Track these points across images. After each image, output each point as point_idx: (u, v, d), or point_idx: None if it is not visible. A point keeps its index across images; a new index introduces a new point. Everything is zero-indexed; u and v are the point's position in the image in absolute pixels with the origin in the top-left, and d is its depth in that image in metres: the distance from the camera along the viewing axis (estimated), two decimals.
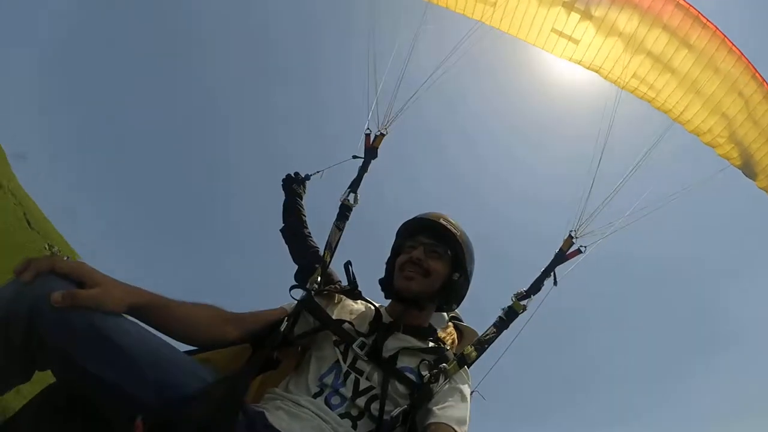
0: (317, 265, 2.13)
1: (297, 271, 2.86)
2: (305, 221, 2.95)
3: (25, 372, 1.25)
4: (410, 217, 2.13)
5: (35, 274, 1.16)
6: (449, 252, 2.02)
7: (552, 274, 2.24)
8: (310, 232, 2.94)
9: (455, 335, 2.31)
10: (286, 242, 2.96)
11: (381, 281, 2.11)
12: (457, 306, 2.21)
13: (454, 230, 2.02)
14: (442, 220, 2.04)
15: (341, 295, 2.06)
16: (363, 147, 2.48)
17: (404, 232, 2.13)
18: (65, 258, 1.58)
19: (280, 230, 2.98)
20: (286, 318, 1.87)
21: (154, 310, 1.43)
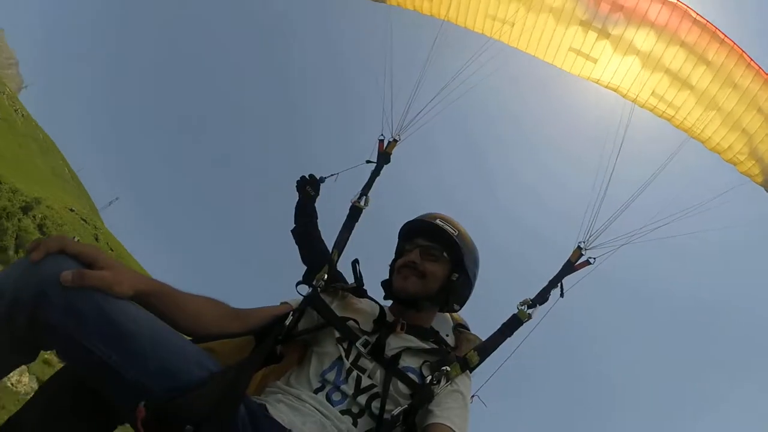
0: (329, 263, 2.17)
1: (306, 272, 2.87)
2: (317, 223, 2.99)
3: (31, 351, 1.26)
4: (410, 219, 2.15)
5: (45, 253, 1.17)
6: (445, 253, 2.03)
7: (559, 285, 2.23)
8: (320, 234, 2.98)
9: (460, 340, 2.29)
10: (297, 243, 2.99)
11: (383, 283, 2.12)
12: (460, 306, 2.20)
13: (450, 230, 2.03)
14: (437, 221, 2.05)
15: (347, 293, 2.09)
16: (376, 151, 2.55)
17: (403, 235, 2.16)
18: (75, 239, 1.64)
19: (292, 231, 3.01)
20: (291, 313, 1.91)
21: (161, 298, 1.44)
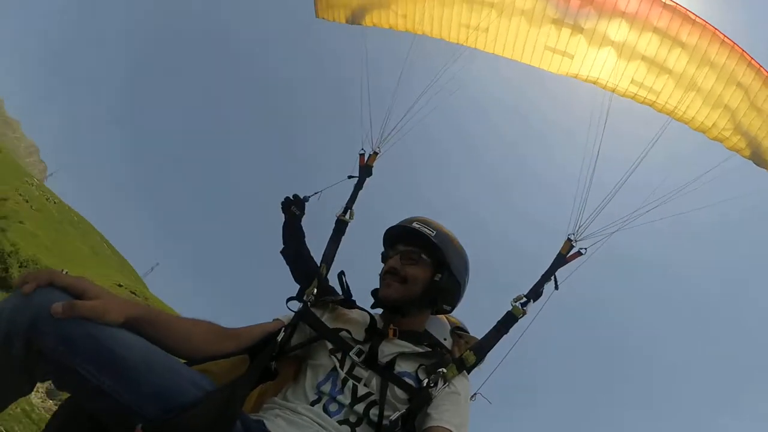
0: (319, 278, 2.19)
1: (299, 290, 2.83)
2: (305, 242, 3.00)
3: (28, 383, 1.29)
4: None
5: (35, 286, 1.19)
6: (425, 255, 2.03)
7: (553, 278, 2.21)
8: (309, 251, 2.99)
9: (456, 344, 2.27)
10: (288, 263, 3.00)
11: (372, 292, 2.13)
12: (451, 307, 2.19)
13: (427, 231, 2.03)
14: (414, 224, 2.07)
15: (336, 305, 2.09)
16: (358, 166, 2.58)
17: (386, 242, 2.19)
18: (64, 272, 1.69)
19: (281, 252, 3.03)
20: (283, 329, 1.93)
21: (151, 323, 1.46)
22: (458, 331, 2.29)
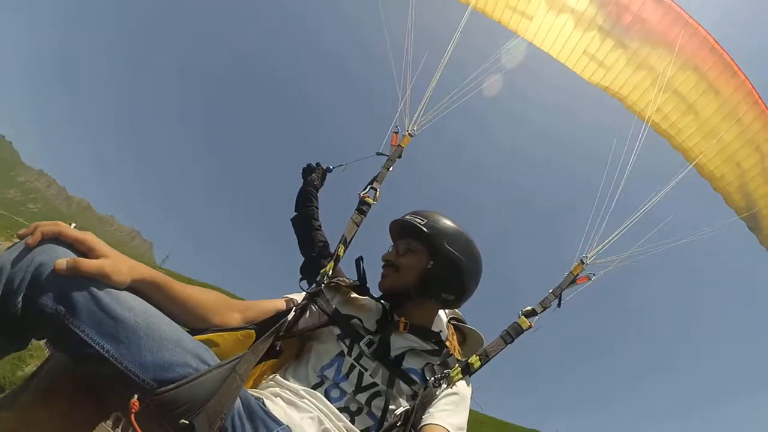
0: (324, 261, 2.11)
1: (303, 263, 2.80)
2: (317, 213, 2.89)
3: (22, 339, 1.20)
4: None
5: (40, 238, 1.15)
6: (416, 244, 2.01)
7: (558, 296, 2.26)
8: (321, 225, 2.89)
9: (455, 339, 2.29)
10: (296, 232, 2.89)
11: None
12: (453, 295, 2.15)
13: (418, 221, 2.01)
14: (407, 217, 2.06)
15: (349, 290, 2.04)
16: (389, 144, 2.45)
17: (391, 238, 2.16)
18: (72, 225, 1.50)
19: (291, 219, 2.91)
20: (293, 309, 1.85)
21: (158, 289, 1.40)
22: (454, 321, 2.30)
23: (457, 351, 2.22)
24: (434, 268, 2.00)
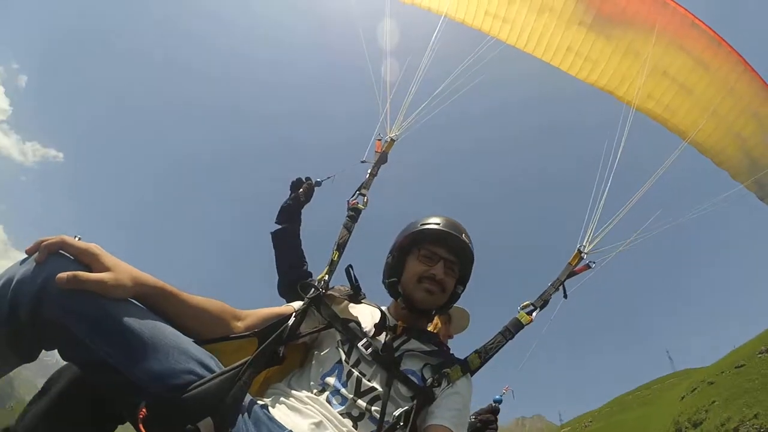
0: (303, 280, 2.14)
1: (280, 281, 2.78)
2: (299, 231, 2.86)
3: (32, 351, 1.24)
4: (428, 218, 2.10)
5: (46, 254, 1.16)
6: (457, 269, 2.05)
7: (562, 287, 2.24)
8: (300, 242, 2.85)
9: (438, 320, 2.30)
10: (275, 246, 2.83)
11: (389, 283, 2.08)
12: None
13: (472, 249, 2.05)
14: (464, 236, 2.03)
15: (344, 298, 2.05)
16: (373, 151, 2.52)
17: (421, 237, 2.07)
18: (77, 238, 1.57)
19: (272, 233, 2.84)
20: (294, 314, 1.90)
21: (162, 298, 1.40)
22: None
23: (441, 331, 2.23)
24: (460, 294, 2.10)
